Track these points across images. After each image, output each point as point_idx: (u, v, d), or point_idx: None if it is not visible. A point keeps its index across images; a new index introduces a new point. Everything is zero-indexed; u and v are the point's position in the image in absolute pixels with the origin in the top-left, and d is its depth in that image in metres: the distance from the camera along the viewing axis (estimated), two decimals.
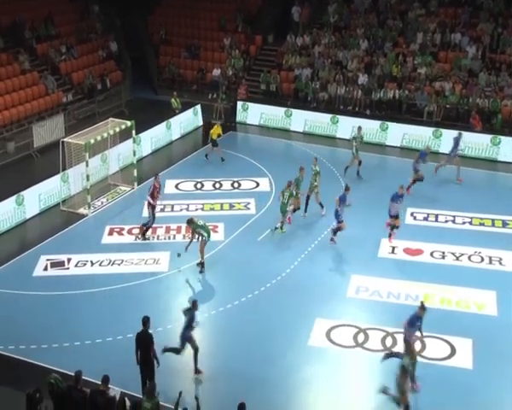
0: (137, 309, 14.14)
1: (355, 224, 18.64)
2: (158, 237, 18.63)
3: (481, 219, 19.39)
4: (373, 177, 22.32)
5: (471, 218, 19.42)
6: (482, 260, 17.34)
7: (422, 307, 12.99)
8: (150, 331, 12.29)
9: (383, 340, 14.25)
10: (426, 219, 19.58)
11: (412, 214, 19.70)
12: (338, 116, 26.52)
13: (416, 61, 28.17)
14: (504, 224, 19.10)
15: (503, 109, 25.14)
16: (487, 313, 15.23)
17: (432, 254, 17.68)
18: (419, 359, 13.20)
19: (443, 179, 21.91)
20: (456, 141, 22.32)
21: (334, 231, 18.00)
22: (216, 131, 23.94)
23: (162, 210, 19.74)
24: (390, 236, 18.06)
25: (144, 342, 12.18)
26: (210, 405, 12.78)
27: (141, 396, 11.63)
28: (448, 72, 27.48)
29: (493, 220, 19.34)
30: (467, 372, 13.35)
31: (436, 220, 19.50)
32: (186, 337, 13.03)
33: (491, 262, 17.24)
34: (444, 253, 17.69)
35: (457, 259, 17.46)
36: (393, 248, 17.97)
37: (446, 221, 19.44)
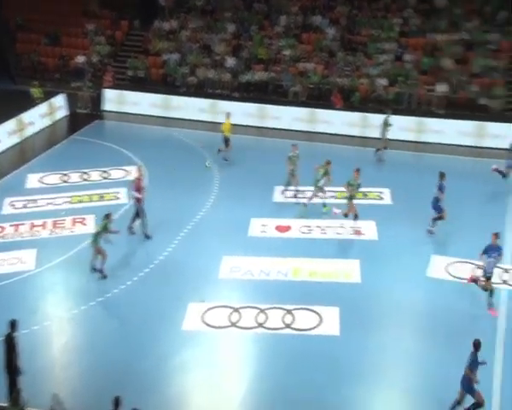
0: (3, 312, 13.40)
1: (225, 206, 18.77)
2: (21, 234, 17.72)
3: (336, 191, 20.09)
4: (242, 159, 22.64)
5: (335, 192, 20.13)
6: (349, 231, 18.08)
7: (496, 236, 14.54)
8: (16, 334, 11.69)
9: (256, 317, 14.50)
10: (295, 196, 20.15)
11: (283, 192, 20.12)
12: (212, 100, 26.52)
13: (281, 43, 28.79)
14: (364, 195, 19.96)
15: (360, 87, 26.34)
16: (352, 281, 15.91)
17: (300, 229, 18.27)
18: (290, 331, 13.79)
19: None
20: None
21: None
22: (227, 126, 22.13)
23: (25, 206, 18.84)
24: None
25: (9, 346, 11.57)
26: (85, 400, 12.40)
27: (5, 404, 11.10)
28: (310, 53, 28.32)
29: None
30: (334, 339, 13.88)
31: (303, 197, 20.05)
32: None
33: (354, 233, 18.07)
34: (310, 227, 18.32)
35: (324, 232, 18.14)
36: (264, 226, 18.35)
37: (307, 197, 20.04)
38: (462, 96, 25.02)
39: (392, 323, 14.53)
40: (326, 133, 25.08)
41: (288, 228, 18.33)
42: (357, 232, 18.00)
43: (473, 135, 23.83)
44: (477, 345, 11.49)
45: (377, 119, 23.42)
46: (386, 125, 22.51)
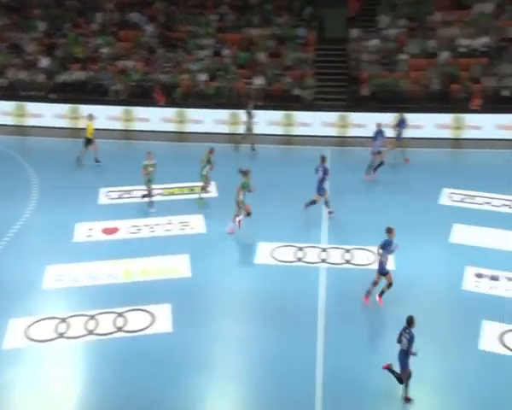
0: None
1: (47, 213, 17.92)
2: None
3: (170, 188, 20.18)
4: (62, 163, 21.72)
5: (163, 189, 20.13)
6: (178, 227, 18.08)
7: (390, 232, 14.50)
8: None
9: (85, 325, 13.98)
10: (120, 197, 19.76)
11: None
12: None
13: (98, 41, 28.00)
14: (190, 189, 20.14)
15: (181, 83, 26.48)
16: (182, 275, 15.95)
17: (128, 230, 17.94)
18: (122, 334, 13.49)
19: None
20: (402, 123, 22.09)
21: None
22: (90, 127, 21.61)
23: None
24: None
25: None
26: None
27: None
28: (130, 50, 27.88)
29: (181, 188, 20.33)
30: (167, 336, 13.80)
31: (129, 197, 19.86)
32: None
33: (182, 228, 18.12)
34: (139, 227, 18.08)
35: (153, 230, 18.00)
36: (90, 230, 17.77)
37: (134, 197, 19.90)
38: (278, 87, 26.14)
39: (225, 312, 14.78)
40: (145, 131, 25.03)
41: (115, 230, 17.92)
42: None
43: (283, 124, 25.09)
44: (410, 322, 11.75)
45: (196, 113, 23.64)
46: (249, 117, 23.08)
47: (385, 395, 12.19)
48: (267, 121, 24.65)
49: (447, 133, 22.95)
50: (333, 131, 24.56)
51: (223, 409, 12.17)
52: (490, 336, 13.45)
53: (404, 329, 11.82)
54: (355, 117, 24.48)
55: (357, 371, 12.76)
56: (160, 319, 14.26)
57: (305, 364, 12.96)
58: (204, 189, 19.31)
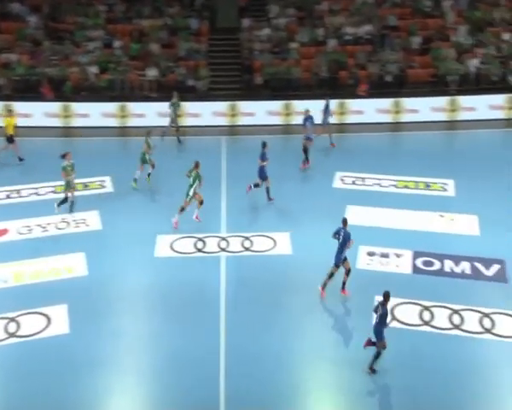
0: None
1: None
2: None
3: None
4: None
5: (54, 186, 19.29)
6: (69, 224, 17.50)
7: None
8: None
9: None
10: (8, 196, 18.85)
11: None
12: None
13: None
14: (84, 186, 19.57)
15: (71, 76, 25.55)
16: (78, 274, 15.48)
17: (18, 230, 17.14)
18: (15, 340, 12.93)
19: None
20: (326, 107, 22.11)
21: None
22: (11, 122, 20.49)
23: None
24: None
25: None
26: None
27: None
28: (12, 43, 26.53)
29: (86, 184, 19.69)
30: (63, 338, 13.35)
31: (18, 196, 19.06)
32: None
33: (77, 225, 17.57)
34: (30, 227, 17.31)
35: (45, 229, 17.30)
36: None
37: (29, 194, 19.13)
38: (172, 78, 25.82)
39: (125, 309, 14.52)
40: (28, 127, 23.58)
41: (4, 231, 17.08)
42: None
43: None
44: (386, 297, 12.19)
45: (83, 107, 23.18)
46: (174, 109, 22.70)
47: (282, 372, 12.47)
48: (157, 113, 24.27)
49: (333, 119, 23.46)
50: (224, 121, 24.57)
51: (125, 405, 11.97)
52: None
53: (381, 303, 12.27)
54: (246, 106, 24.59)
55: (258, 355, 12.96)
56: (56, 320, 13.79)
57: (209, 353, 13.02)
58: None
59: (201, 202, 17.45)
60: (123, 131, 24.61)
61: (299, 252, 16.31)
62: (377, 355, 12.40)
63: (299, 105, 23.29)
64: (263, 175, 18.49)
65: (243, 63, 26.54)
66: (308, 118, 20.78)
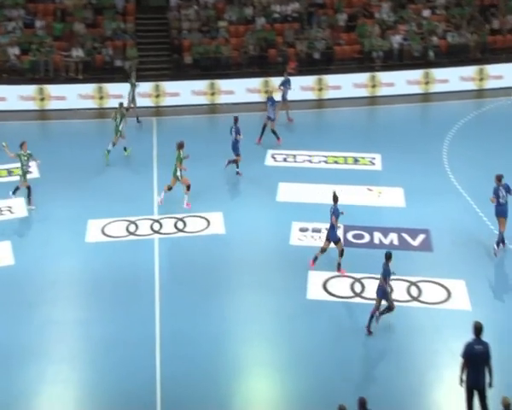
0: None
1: None
2: None
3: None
4: None
5: None
6: None
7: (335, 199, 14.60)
8: None
9: None
10: None
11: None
12: None
13: None
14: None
15: None
16: (4, 264, 14.94)
17: None
18: None
19: None
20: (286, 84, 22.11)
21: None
22: None
23: None
24: None
25: None
26: None
27: None
28: None
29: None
30: None
31: None
32: None
33: (1, 213, 16.94)
34: None
35: None
36: None
37: None
38: (99, 59, 25.14)
39: (58, 297, 14.15)
40: None
41: None
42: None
43: (96, 98, 24.18)
44: (388, 256, 12.59)
45: None
46: (133, 88, 22.22)
47: (218, 353, 12.47)
48: (79, 95, 23.66)
49: (258, 97, 23.49)
50: (150, 102, 24.15)
51: (59, 393, 11.68)
52: (315, 285, 14.27)
53: (383, 265, 12.65)
54: (171, 86, 24.22)
55: (194, 336, 12.92)
56: None
57: (145, 337, 12.87)
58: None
59: (188, 187, 17.22)
60: (42, 114, 23.81)
61: (233, 231, 16.30)
62: (387, 311, 12.83)
63: (228, 84, 23.31)
64: (236, 149, 18.59)
65: (172, 43, 26.11)
66: (269, 99, 20.59)
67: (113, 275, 14.82)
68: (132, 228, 16.47)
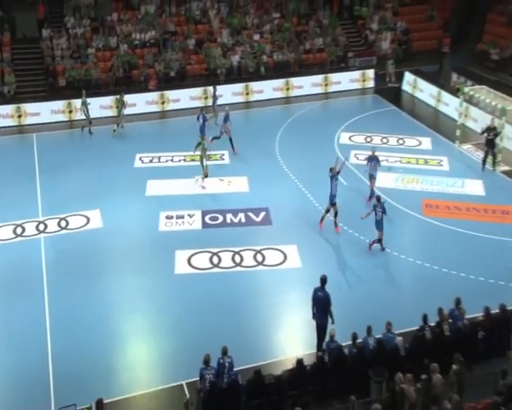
0: None
1: None
2: None
3: None
4: None
5: None
6: None
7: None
8: None
9: None
10: None
11: None
12: None
13: None
14: None
15: None
16: None
17: None
18: None
19: None
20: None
21: None
22: None
23: None
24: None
25: None
26: None
27: None
28: None
29: None
30: None
31: None
32: None
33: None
34: None
35: None
36: None
37: None
38: None
39: None
40: None
41: None
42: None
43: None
44: (378, 199, 13.95)
45: None
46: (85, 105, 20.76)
47: (103, 329, 11.81)
48: None
49: (128, 110, 22.37)
50: (37, 119, 22.14)
51: None
52: (181, 262, 13.90)
53: (376, 206, 13.75)
54: (51, 105, 22.37)
55: (81, 317, 12.14)
56: None
57: (35, 324, 11.88)
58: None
59: (206, 175, 17.12)
60: None
61: (110, 225, 15.41)
62: (378, 241, 13.87)
63: (99, 101, 22.13)
64: (202, 132, 18.54)
65: (47, 68, 24.10)
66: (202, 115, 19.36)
67: (3, 274, 13.42)
68: (19, 230, 15.01)
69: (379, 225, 13.79)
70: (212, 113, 21.43)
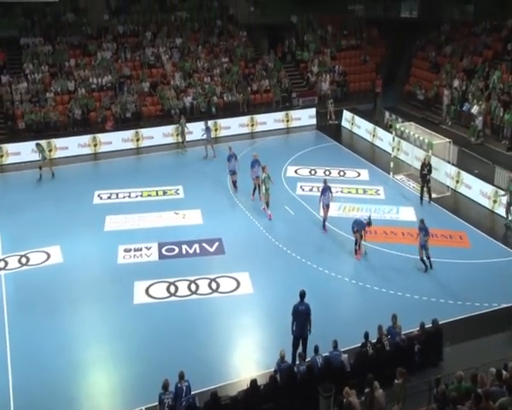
0: None
1: None
2: None
3: None
4: None
5: None
6: None
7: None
8: None
9: None
10: None
11: None
12: None
13: None
14: None
15: None
16: None
17: None
18: None
19: None
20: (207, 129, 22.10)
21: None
22: None
23: None
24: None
25: None
26: None
27: None
28: None
29: None
30: None
31: None
32: None
33: None
34: None
35: None
36: None
37: None
38: None
39: None
40: None
41: None
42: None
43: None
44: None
45: None
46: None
47: (64, 358, 11.55)
48: None
49: (87, 150, 22.44)
50: None
51: None
52: (140, 292, 13.82)
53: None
54: (11, 147, 22.01)
55: (41, 347, 11.87)
56: None
57: None
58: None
59: (267, 203, 17.32)
60: None
61: (70, 260, 15.16)
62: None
63: (58, 142, 21.92)
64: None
65: (6, 112, 23.65)
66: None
67: None
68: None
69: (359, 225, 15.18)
70: (210, 146, 22.04)
